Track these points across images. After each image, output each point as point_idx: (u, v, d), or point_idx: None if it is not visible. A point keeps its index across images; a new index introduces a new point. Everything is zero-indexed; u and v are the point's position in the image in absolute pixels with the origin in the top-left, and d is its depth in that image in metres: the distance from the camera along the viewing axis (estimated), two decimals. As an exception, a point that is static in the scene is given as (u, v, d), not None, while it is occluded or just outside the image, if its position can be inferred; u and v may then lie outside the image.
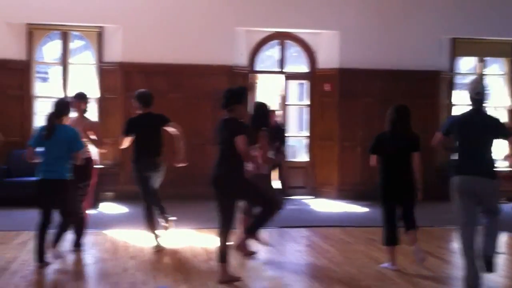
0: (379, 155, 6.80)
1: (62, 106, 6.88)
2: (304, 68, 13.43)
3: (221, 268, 6.22)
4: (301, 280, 6.46)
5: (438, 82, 13.18)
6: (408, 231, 6.80)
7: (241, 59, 12.80)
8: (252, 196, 6.38)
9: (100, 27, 12.36)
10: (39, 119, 12.39)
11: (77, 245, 7.41)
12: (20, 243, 7.88)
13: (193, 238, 8.45)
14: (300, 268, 6.90)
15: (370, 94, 12.69)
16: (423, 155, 6.82)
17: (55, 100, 7.07)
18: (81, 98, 7.70)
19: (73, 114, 7.36)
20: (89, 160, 7.51)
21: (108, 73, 12.31)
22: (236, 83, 12.53)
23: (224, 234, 6.21)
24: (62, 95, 8.20)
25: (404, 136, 6.75)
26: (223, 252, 6.21)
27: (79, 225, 7.42)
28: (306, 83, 13.45)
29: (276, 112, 10.18)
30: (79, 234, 7.45)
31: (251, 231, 6.50)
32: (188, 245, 7.98)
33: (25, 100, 12.05)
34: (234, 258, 7.20)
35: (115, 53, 12.28)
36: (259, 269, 6.87)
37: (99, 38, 12.42)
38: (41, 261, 6.64)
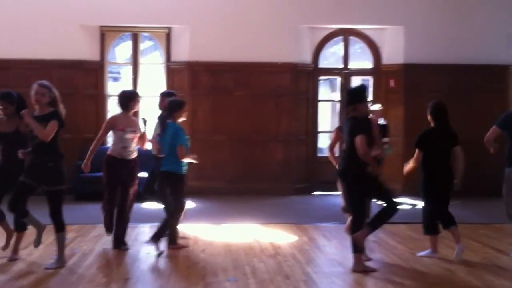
0: (424, 151, 7.00)
1: (175, 105, 7.40)
2: (368, 64, 13.47)
3: (356, 259, 6.54)
4: (369, 277, 6.49)
5: (507, 77, 12.99)
6: (450, 227, 7.01)
7: (305, 57, 12.94)
8: (377, 193, 6.69)
9: (168, 28, 12.74)
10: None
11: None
12: (96, 236, 8.27)
13: (260, 233, 8.65)
14: (368, 265, 6.93)
15: (436, 89, 12.60)
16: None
17: (170, 99, 7.59)
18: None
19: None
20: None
21: (176, 72, 12.67)
22: (300, 81, 12.75)
23: (357, 226, 6.50)
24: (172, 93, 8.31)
25: (447, 132, 7.05)
26: (358, 242, 6.51)
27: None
28: (370, 79, 13.48)
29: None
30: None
31: (373, 227, 6.65)
32: (255, 240, 8.19)
33: (99, 98, 12.56)
34: (304, 254, 7.39)
35: (183, 52, 12.62)
36: (327, 264, 6.98)
37: (167, 38, 12.80)
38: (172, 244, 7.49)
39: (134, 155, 7.46)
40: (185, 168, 7.39)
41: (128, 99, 7.45)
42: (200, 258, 7.16)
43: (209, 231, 8.71)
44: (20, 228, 6.93)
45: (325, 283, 6.24)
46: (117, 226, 7.53)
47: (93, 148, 7.33)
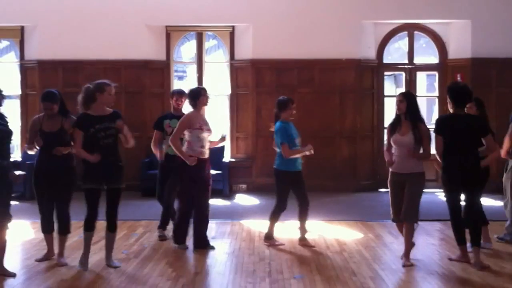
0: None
1: (281, 103, 7.64)
2: (433, 59, 13.27)
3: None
4: (435, 274, 6.44)
5: None
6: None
7: (369, 52, 12.85)
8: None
9: (232, 26, 12.86)
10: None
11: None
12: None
13: (325, 230, 8.66)
14: (435, 262, 6.89)
15: (504, 84, 12.33)
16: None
17: (279, 98, 7.82)
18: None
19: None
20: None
21: (240, 70, 12.78)
22: (364, 77, 12.67)
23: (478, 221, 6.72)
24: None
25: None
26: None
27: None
28: (436, 75, 13.28)
29: None
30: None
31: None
32: (321, 237, 8.20)
33: (165, 97, 12.76)
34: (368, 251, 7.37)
35: (246, 50, 12.71)
36: (394, 261, 6.93)
37: (231, 37, 12.93)
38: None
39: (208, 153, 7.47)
40: (296, 165, 7.51)
41: (197, 95, 7.46)
42: (265, 255, 7.23)
43: (275, 228, 8.75)
44: (62, 231, 6.82)
45: (393, 280, 6.21)
46: (199, 226, 7.43)
47: (180, 149, 7.26)
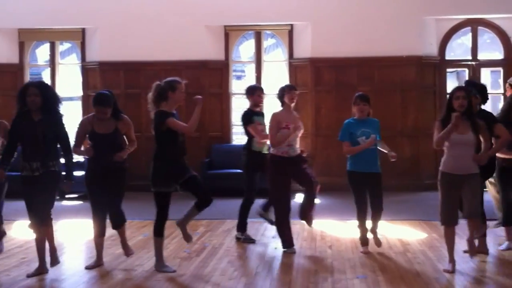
0: None
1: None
2: (498, 55, 12.91)
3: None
4: (503, 274, 6.27)
5: None
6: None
7: (431, 49, 12.60)
8: None
9: (291, 25, 12.80)
10: (237, 115, 13.18)
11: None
12: (225, 231, 8.47)
13: (387, 230, 8.50)
14: (502, 262, 6.72)
15: None
16: None
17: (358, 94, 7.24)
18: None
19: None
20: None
21: (299, 68, 12.72)
22: (426, 74, 12.43)
23: None
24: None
25: None
26: None
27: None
28: (500, 71, 12.91)
29: None
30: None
31: None
32: (383, 236, 8.05)
33: (224, 97, 12.84)
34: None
35: (305, 49, 12.65)
36: (459, 262, 6.67)
37: (289, 35, 12.88)
38: None
39: (298, 150, 7.23)
40: (352, 165, 7.05)
41: (281, 93, 7.35)
42: (328, 254, 7.15)
43: (336, 227, 8.68)
44: (119, 223, 6.73)
45: (459, 281, 6.04)
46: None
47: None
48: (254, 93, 7.79)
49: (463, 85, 6.86)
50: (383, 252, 7.22)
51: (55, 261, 6.44)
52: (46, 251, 6.41)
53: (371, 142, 6.98)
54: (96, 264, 6.64)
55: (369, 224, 7.19)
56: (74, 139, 6.54)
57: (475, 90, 6.78)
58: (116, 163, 6.41)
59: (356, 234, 7.65)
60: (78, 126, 6.59)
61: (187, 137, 6.41)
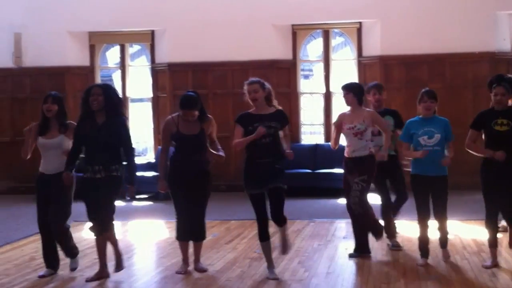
0: None
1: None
2: None
3: None
4: None
5: None
6: None
7: (504, 45, 12.21)
8: None
9: (359, 22, 12.65)
10: (305, 115, 13.13)
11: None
12: (294, 231, 8.40)
13: (461, 230, 8.30)
14: None
15: None
16: None
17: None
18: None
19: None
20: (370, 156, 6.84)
21: (368, 67, 12.55)
22: (499, 70, 12.02)
23: None
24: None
25: None
26: None
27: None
28: None
29: None
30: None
31: None
32: (457, 237, 7.86)
33: (292, 96, 12.79)
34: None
35: (374, 46, 12.48)
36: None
37: (358, 33, 12.72)
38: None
39: (364, 152, 6.68)
40: (415, 168, 6.55)
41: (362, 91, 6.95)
42: (400, 255, 7.00)
43: (407, 227, 8.48)
44: (199, 238, 6.54)
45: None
46: (364, 231, 6.97)
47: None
48: (369, 92, 7.31)
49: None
50: (457, 252, 7.03)
51: (119, 266, 6.38)
52: (111, 255, 6.39)
53: (423, 154, 6.39)
54: (184, 269, 6.51)
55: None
56: (161, 141, 6.53)
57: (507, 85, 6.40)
58: (199, 165, 6.29)
59: (429, 234, 7.47)
60: (163, 126, 6.53)
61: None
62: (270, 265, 6.24)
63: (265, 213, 6.12)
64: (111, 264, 6.37)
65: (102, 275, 6.30)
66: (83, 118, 6.20)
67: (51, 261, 6.50)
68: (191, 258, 6.59)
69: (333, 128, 7.00)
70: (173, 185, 6.37)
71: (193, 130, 6.29)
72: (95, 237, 6.27)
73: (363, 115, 6.72)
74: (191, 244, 6.55)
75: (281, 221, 6.18)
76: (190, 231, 6.44)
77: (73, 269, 6.56)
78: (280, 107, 6.31)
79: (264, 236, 6.18)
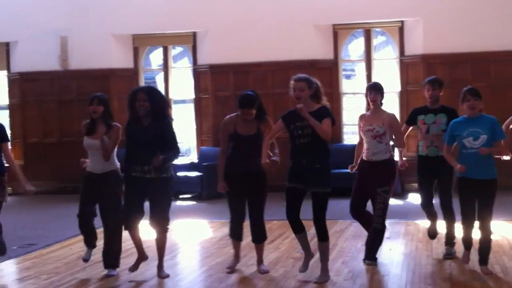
0: None
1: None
2: None
3: None
4: None
5: None
6: None
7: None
8: None
9: (401, 21, 12.57)
10: (347, 115, 13.09)
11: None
12: (337, 231, 8.41)
13: (508, 230, 8.18)
14: None
15: None
16: None
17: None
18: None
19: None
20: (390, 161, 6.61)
21: (410, 66, 12.46)
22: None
23: None
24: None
25: None
26: None
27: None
28: None
29: None
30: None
31: None
32: (504, 237, 7.76)
33: (334, 96, 12.75)
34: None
35: (417, 46, 12.39)
36: None
37: (400, 32, 12.64)
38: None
39: (383, 156, 6.49)
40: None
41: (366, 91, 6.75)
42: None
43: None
44: (259, 239, 6.46)
45: None
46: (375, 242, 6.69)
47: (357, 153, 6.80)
48: (424, 87, 6.99)
49: None
50: (505, 253, 6.94)
51: (161, 272, 6.42)
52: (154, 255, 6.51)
53: (460, 170, 6.00)
54: (234, 265, 6.53)
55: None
56: (221, 141, 6.53)
57: None
58: (256, 165, 6.15)
59: (475, 235, 7.39)
60: (221, 126, 6.49)
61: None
62: (306, 253, 6.24)
63: (293, 209, 6.04)
64: (153, 265, 6.50)
65: (141, 259, 6.46)
66: (130, 121, 6.32)
67: (91, 238, 6.67)
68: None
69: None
70: (229, 185, 6.34)
71: (250, 130, 6.26)
72: (125, 230, 6.38)
73: (382, 117, 6.51)
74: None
75: (319, 233, 6.06)
76: (251, 233, 6.42)
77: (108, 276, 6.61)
78: (326, 103, 6.16)
79: (296, 229, 6.16)
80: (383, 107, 6.68)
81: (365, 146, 6.59)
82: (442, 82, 7.00)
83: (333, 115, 6.08)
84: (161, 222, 6.26)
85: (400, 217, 9.31)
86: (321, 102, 6.11)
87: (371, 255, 6.63)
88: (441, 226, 7.01)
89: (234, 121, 6.32)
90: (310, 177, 5.93)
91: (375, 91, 6.56)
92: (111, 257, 6.55)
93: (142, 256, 6.48)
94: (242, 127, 6.26)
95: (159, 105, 6.23)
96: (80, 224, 6.60)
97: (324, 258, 6.09)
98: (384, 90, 6.69)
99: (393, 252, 7.21)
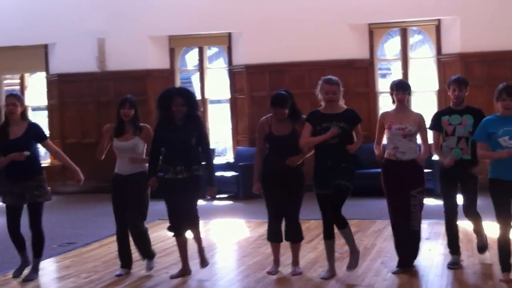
0: None
1: None
2: None
3: None
4: None
5: None
6: None
7: None
8: None
9: (438, 20, 12.43)
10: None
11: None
12: (375, 231, 8.36)
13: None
14: None
15: None
16: None
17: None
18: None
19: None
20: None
21: (448, 64, 12.32)
22: None
23: None
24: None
25: None
26: None
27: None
28: None
29: None
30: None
31: None
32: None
33: (370, 96, 12.70)
34: None
35: (454, 44, 12.24)
36: None
37: (437, 31, 12.51)
38: None
39: (413, 155, 6.25)
40: (495, 171, 5.92)
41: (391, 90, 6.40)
42: (486, 257, 6.80)
43: (492, 228, 8.27)
44: (294, 239, 6.43)
45: None
46: (404, 243, 6.41)
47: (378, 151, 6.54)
48: (449, 87, 6.55)
49: None
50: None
51: (204, 262, 6.49)
52: (192, 254, 6.55)
53: (509, 153, 5.70)
54: (275, 270, 6.44)
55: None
56: (257, 142, 6.53)
57: None
58: (295, 168, 6.16)
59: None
60: (258, 127, 6.47)
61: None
62: (329, 264, 6.25)
63: (325, 214, 6.13)
64: (194, 262, 6.52)
65: (185, 272, 6.46)
66: (162, 120, 6.33)
67: (126, 261, 6.70)
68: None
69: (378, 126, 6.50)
70: (265, 186, 6.33)
71: (284, 131, 6.22)
72: (174, 237, 6.43)
73: (412, 116, 6.30)
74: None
75: (337, 222, 6.04)
76: (286, 233, 6.40)
77: (150, 268, 6.70)
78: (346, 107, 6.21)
79: (327, 235, 6.19)
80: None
81: (390, 145, 6.28)
82: (468, 82, 6.59)
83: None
84: (192, 218, 6.30)
85: (440, 217, 9.14)
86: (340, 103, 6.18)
87: (409, 262, 6.35)
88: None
89: (269, 121, 6.31)
90: (337, 174, 5.95)
91: (402, 90, 6.28)
92: (144, 251, 6.64)
93: (186, 269, 6.49)
94: (277, 127, 6.24)
95: (195, 107, 6.32)
96: (119, 242, 6.69)
97: (350, 240, 6.13)
98: (412, 89, 6.53)
99: (432, 252, 7.14)
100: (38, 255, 6.61)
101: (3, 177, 6.50)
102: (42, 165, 6.68)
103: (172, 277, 6.41)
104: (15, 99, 6.53)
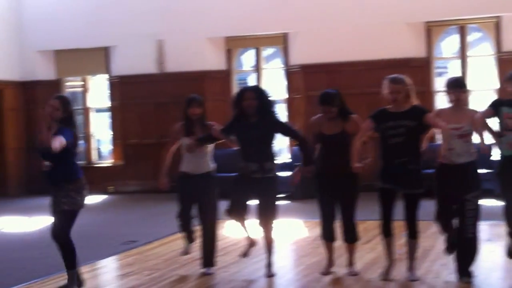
0: None
1: None
2: None
3: None
4: None
5: None
6: None
7: None
8: None
9: (497, 17, 12.23)
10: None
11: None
12: (433, 233, 8.22)
13: None
14: None
15: None
16: None
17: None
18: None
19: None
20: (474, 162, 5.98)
21: (509, 62, 12.05)
22: None
23: None
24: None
25: None
26: None
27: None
28: None
29: None
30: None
31: None
32: None
33: (427, 95, 12.55)
34: None
35: (514, 41, 12.05)
36: None
37: (496, 28, 12.30)
38: None
39: (469, 158, 5.90)
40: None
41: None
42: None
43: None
44: (349, 240, 6.40)
45: None
46: (459, 251, 6.10)
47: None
48: (508, 82, 6.30)
49: None
50: None
51: (270, 271, 6.48)
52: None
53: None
54: (328, 270, 6.46)
55: None
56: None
57: None
58: (344, 165, 6.07)
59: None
60: (309, 126, 6.52)
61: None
62: (388, 263, 6.20)
63: (388, 210, 6.04)
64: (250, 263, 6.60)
65: (252, 245, 6.61)
66: (236, 118, 6.40)
67: (190, 237, 6.90)
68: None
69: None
70: (317, 185, 6.36)
71: (334, 130, 6.20)
72: (234, 221, 6.49)
73: (469, 115, 5.94)
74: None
75: (411, 232, 6.06)
76: (342, 233, 6.39)
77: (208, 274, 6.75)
78: (416, 102, 6.08)
79: (386, 232, 6.13)
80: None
81: (445, 146, 5.91)
82: None
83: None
84: (267, 221, 6.34)
85: (500, 218, 9.02)
86: (410, 101, 6.02)
87: (467, 270, 5.98)
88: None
89: (319, 121, 6.31)
90: (402, 178, 5.89)
91: (460, 88, 5.95)
92: (208, 257, 6.69)
93: (252, 241, 6.59)
94: (326, 126, 6.23)
95: (267, 103, 6.34)
96: (180, 225, 6.82)
97: (411, 256, 6.11)
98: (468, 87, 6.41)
99: (494, 254, 7.04)
100: (70, 267, 5.94)
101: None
102: (74, 174, 5.96)
103: (242, 256, 6.65)
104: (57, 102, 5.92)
